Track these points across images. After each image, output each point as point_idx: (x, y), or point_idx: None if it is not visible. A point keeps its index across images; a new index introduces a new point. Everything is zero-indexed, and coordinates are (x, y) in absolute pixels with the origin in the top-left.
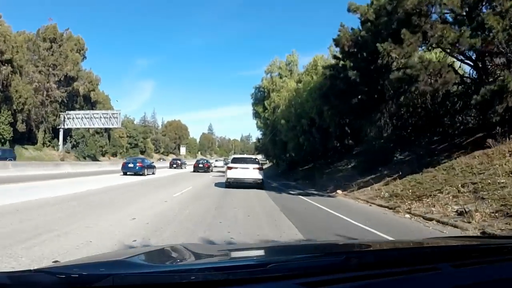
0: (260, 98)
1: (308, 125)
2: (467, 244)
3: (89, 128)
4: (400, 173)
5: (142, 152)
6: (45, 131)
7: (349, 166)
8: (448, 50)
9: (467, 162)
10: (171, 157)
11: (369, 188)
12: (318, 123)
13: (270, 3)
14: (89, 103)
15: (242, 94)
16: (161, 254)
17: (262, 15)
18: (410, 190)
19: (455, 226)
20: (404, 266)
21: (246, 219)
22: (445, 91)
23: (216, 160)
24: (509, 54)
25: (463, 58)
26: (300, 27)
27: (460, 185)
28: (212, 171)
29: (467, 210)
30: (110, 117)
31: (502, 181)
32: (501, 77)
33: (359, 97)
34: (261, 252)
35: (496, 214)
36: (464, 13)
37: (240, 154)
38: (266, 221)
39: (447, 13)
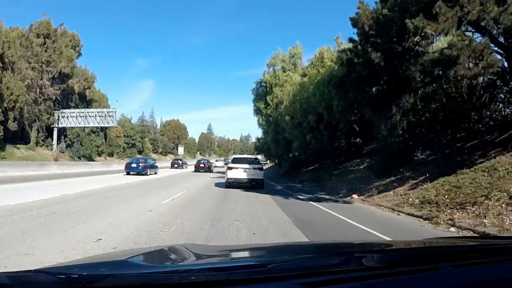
0: (262, 93)
1: (315, 121)
2: (467, 244)
3: (84, 127)
4: (427, 175)
5: (139, 152)
6: (38, 130)
7: (361, 167)
8: (481, 32)
9: None
10: (169, 157)
11: (391, 192)
12: (326, 119)
13: (269, 2)
14: (85, 101)
15: (241, 94)
16: (161, 254)
17: (261, 15)
18: (447, 196)
19: None
20: (404, 266)
21: (252, 239)
22: (487, 78)
23: (217, 160)
24: None
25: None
26: (300, 26)
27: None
28: (212, 171)
29: None
30: (105, 115)
31: None
32: None
33: (379, 86)
34: (261, 252)
35: None
36: None
37: (240, 154)
38: (278, 242)
39: None
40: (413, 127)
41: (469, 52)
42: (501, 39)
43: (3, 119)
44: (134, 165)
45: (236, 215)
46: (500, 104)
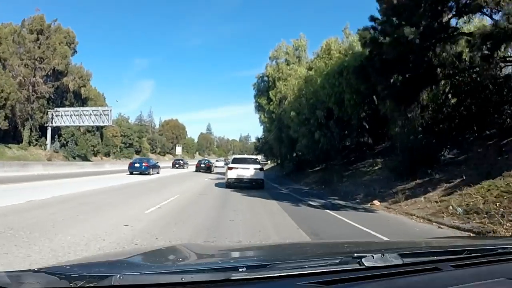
0: (264, 88)
1: (324, 117)
2: (467, 244)
3: (79, 127)
4: (463, 177)
5: (137, 152)
6: (31, 129)
7: (376, 168)
8: None
9: None
10: (168, 157)
11: (421, 198)
12: (336, 115)
13: (269, 2)
14: (80, 99)
15: (241, 94)
16: (161, 254)
17: (261, 15)
18: (498, 204)
19: None
20: (404, 266)
21: None
22: None
23: (217, 160)
24: None
25: None
26: (301, 24)
27: None
28: (212, 171)
29: None
30: (100, 114)
31: None
32: None
33: (408, 71)
34: (261, 252)
35: None
36: None
37: (239, 154)
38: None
39: None
40: (437, 123)
41: None
42: None
43: None
44: (137, 165)
45: (238, 232)
46: None
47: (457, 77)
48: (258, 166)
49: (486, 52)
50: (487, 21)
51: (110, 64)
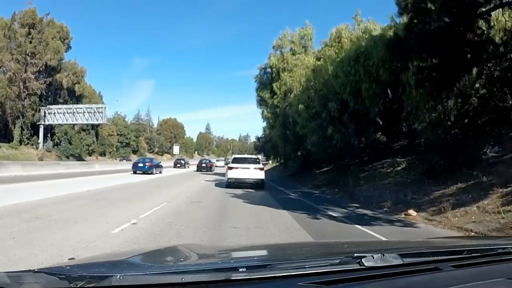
0: (267, 81)
1: (337, 110)
2: (467, 244)
3: (73, 125)
4: None
5: (134, 152)
6: (22, 127)
7: (399, 168)
8: None
9: None
10: (166, 157)
11: (473, 207)
12: (352, 107)
13: (269, 2)
14: (74, 97)
15: (241, 94)
16: (161, 254)
17: (260, 15)
18: None
19: None
20: (404, 266)
21: None
22: None
23: (217, 160)
24: None
25: None
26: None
27: None
28: (213, 170)
29: None
30: (94, 111)
31: None
32: None
33: (452, 51)
34: (261, 252)
35: None
36: None
37: (239, 154)
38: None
39: None
40: (475, 115)
41: None
42: None
43: None
44: (140, 164)
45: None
46: None
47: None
48: (259, 166)
49: None
50: None
51: (110, 64)
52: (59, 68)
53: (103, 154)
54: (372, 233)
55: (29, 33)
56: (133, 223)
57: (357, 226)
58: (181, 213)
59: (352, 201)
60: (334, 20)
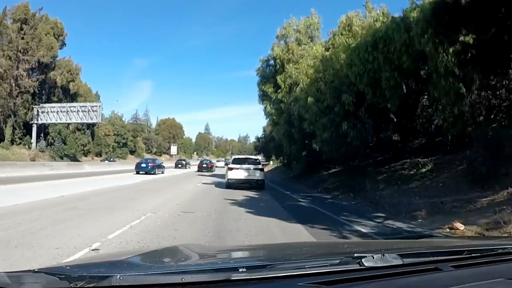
0: (270, 74)
1: (353, 103)
2: (467, 244)
3: (68, 124)
4: None
5: (131, 152)
6: (13, 126)
7: (425, 170)
8: None
9: None
10: (164, 157)
11: None
12: (370, 100)
13: (268, 2)
14: (68, 95)
15: (240, 94)
16: (161, 254)
17: (260, 15)
18: None
19: None
20: (404, 266)
21: None
22: None
23: (217, 161)
24: None
25: None
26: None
27: None
28: (214, 171)
29: None
30: (89, 110)
31: None
32: None
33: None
34: (261, 253)
35: None
36: None
37: (238, 154)
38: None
39: None
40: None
41: None
42: None
43: None
44: (143, 165)
45: None
46: None
47: None
48: (259, 166)
49: None
50: None
51: (110, 64)
52: (53, 65)
53: (99, 154)
54: None
55: (21, 29)
56: (93, 250)
57: None
58: (165, 229)
59: (375, 209)
60: (339, 11)
